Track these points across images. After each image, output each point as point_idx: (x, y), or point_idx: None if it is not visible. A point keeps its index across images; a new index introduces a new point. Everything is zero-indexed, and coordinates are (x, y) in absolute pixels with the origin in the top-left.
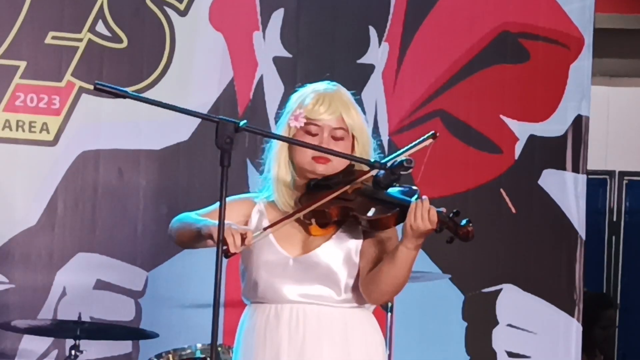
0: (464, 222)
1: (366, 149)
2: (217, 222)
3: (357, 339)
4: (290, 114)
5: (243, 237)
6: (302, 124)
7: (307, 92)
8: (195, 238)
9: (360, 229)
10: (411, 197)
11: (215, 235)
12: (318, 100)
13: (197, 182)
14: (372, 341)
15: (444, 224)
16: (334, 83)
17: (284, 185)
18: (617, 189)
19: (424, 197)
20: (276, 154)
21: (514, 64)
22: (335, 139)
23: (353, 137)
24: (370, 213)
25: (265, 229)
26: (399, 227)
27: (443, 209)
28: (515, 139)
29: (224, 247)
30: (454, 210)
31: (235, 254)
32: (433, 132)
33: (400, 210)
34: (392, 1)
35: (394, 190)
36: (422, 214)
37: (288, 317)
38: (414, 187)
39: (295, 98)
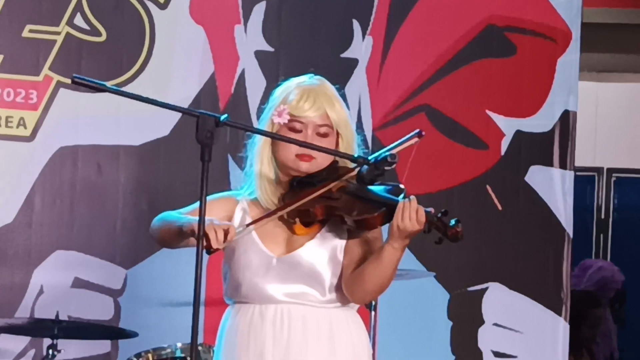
0: (452, 222)
1: (350, 145)
2: (198, 218)
3: (343, 339)
4: (273, 110)
5: (225, 233)
6: (286, 120)
7: (291, 87)
8: (177, 236)
9: (345, 228)
10: (398, 195)
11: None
12: (302, 96)
13: (178, 178)
14: (358, 341)
15: (432, 225)
16: (318, 77)
17: (267, 182)
18: (605, 186)
19: (411, 196)
20: (259, 151)
21: (500, 58)
22: (319, 135)
23: (337, 133)
24: (356, 212)
25: (248, 225)
26: (384, 226)
27: (431, 209)
28: (501, 134)
29: (206, 243)
30: (442, 210)
31: (217, 250)
32: (418, 130)
33: (387, 210)
34: None
35: (380, 189)
36: (410, 214)
37: (272, 317)
38: (401, 186)
39: (278, 93)
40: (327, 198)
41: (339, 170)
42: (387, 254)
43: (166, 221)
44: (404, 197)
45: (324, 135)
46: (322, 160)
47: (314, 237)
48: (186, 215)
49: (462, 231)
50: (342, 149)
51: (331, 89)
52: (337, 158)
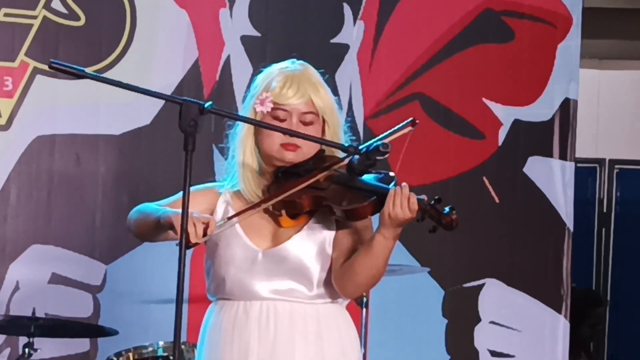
0: (447, 209)
1: (337, 132)
2: (177, 210)
3: (331, 336)
4: (255, 98)
5: (205, 227)
6: (269, 109)
7: (273, 74)
8: (154, 229)
9: (333, 218)
10: (388, 184)
11: (176, 225)
12: (285, 83)
13: (160, 169)
14: (346, 338)
15: (425, 212)
16: (301, 62)
17: (250, 174)
18: (607, 178)
19: (403, 183)
20: (241, 141)
21: (497, 44)
22: (304, 123)
23: (323, 120)
24: (345, 202)
25: (230, 217)
26: (374, 216)
27: (424, 196)
28: (499, 123)
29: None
30: (436, 197)
31: (197, 244)
32: (412, 119)
33: (377, 199)
34: None
35: (369, 177)
36: (402, 202)
37: (258, 314)
38: (391, 174)
39: (260, 80)
40: (314, 188)
41: (326, 159)
42: (378, 243)
43: (143, 213)
44: (395, 185)
45: (310, 123)
46: (308, 150)
47: (301, 230)
48: (165, 207)
49: (457, 219)
50: (328, 136)
51: (315, 74)
52: (324, 147)
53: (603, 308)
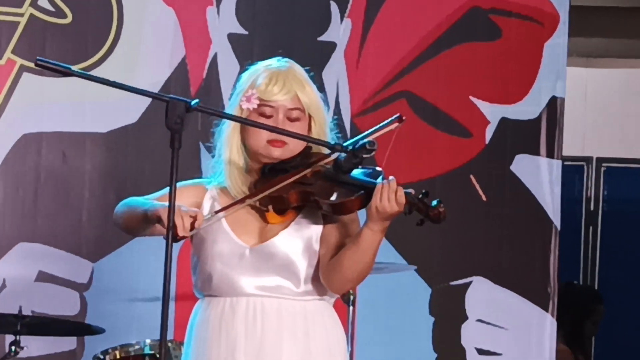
0: (434, 202)
1: (323, 129)
2: (164, 203)
3: (318, 333)
4: (241, 95)
5: (193, 220)
6: (255, 106)
7: (259, 71)
8: (141, 222)
9: (320, 214)
10: (376, 178)
11: (163, 218)
12: (271, 80)
13: (147, 167)
14: (333, 336)
15: (413, 205)
16: (287, 59)
17: (237, 171)
18: (594, 176)
19: (390, 177)
20: (227, 138)
21: (484, 41)
22: (290, 120)
23: (309, 116)
24: (333, 197)
25: (217, 211)
26: (361, 212)
27: (411, 190)
28: (486, 121)
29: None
30: (423, 191)
31: (184, 237)
32: (399, 115)
33: (365, 193)
34: None
35: (357, 172)
36: (389, 196)
37: (245, 311)
38: (378, 169)
39: (245, 77)
40: (301, 183)
41: (313, 155)
42: (365, 237)
43: (130, 206)
44: (383, 179)
45: (296, 119)
46: (294, 146)
47: (288, 226)
48: (153, 201)
49: (444, 211)
50: (314, 133)
51: (300, 71)
52: (310, 143)
53: (604, 305)
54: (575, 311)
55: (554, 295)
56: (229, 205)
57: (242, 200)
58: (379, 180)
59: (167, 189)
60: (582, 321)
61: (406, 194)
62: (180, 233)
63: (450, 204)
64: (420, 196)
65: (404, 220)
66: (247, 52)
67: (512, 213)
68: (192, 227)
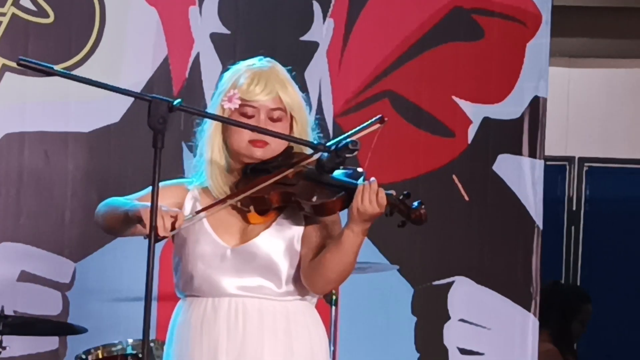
0: (416, 204)
1: (305, 129)
2: (146, 203)
3: (300, 334)
4: (223, 95)
5: (174, 220)
6: (237, 106)
7: (241, 71)
8: (122, 222)
9: (302, 214)
10: (357, 179)
11: (144, 218)
12: (253, 80)
13: (129, 167)
14: (315, 336)
15: (394, 207)
16: (268, 59)
17: (219, 171)
18: (576, 176)
19: (372, 178)
20: (209, 138)
21: (467, 41)
22: (272, 120)
23: (291, 117)
24: (314, 198)
25: (198, 212)
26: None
27: (392, 191)
28: (468, 121)
29: None
30: (405, 192)
31: (165, 237)
32: (380, 116)
33: (346, 194)
34: None
35: (338, 173)
36: (370, 197)
37: (227, 311)
38: (360, 169)
39: (227, 77)
40: (283, 184)
41: (295, 155)
42: (347, 239)
43: (112, 206)
44: (364, 181)
45: (278, 119)
46: (276, 146)
47: (270, 226)
48: (134, 201)
49: (425, 213)
50: (296, 133)
51: (283, 71)
52: (292, 143)
53: (591, 304)
54: (562, 311)
55: (536, 295)
56: (209, 205)
57: (223, 201)
58: (360, 181)
59: (148, 189)
60: (569, 321)
61: (387, 195)
62: (161, 233)
63: (433, 204)
64: (401, 197)
65: (386, 219)
66: (230, 51)
67: (494, 213)
68: (173, 227)
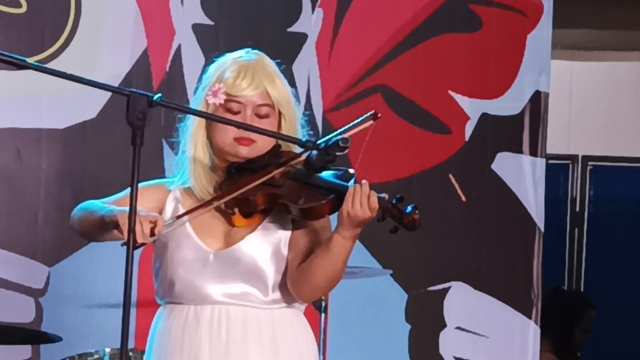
0: (409, 209)
1: (294, 126)
2: (123, 208)
3: (287, 342)
4: (207, 89)
5: (153, 226)
6: (222, 101)
7: (227, 64)
8: (99, 228)
9: (289, 217)
10: (348, 181)
11: (121, 223)
12: (240, 74)
13: (106, 165)
14: (303, 344)
15: (386, 212)
16: (256, 51)
17: (202, 169)
18: (580, 176)
19: (363, 181)
20: (192, 134)
21: (464, 33)
22: (259, 116)
23: (279, 113)
24: (301, 200)
25: (179, 216)
26: (333, 215)
27: (385, 195)
28: (465, 117)
29: None
30: (398, 196)
31: (144, 244)
32: (373, 112)
33: (336, 197)
34: None
35: (327, 174)
36: (361, 201)
37: (209, 319)
38: (351, 170)
39: (212, 70)
40: (269, 185)
41: (282, 154)
42: (336, 244)
43: (87, 211)
44: (355, 183)
45: (265, 116)
46: (263, 144)
47: (255, 230)
48: (111, 204)
49: (419, 218)
50: (284, 130)
51: (271, 64)
52: (280, 141)
53: (595, 310)
54: (563, 317)
55: (537, 301)
56: (192, 209)
57: (206, 204)
58: (351, 183)
59: (126, 192)
60: (571, 328)
61: (379, 198)
62: (140, 240)
63: (428, 205)
64: (394, 201)
65: (377, 222)
66: (213, 43)
67: (493, 214)
68: (152, 233)
